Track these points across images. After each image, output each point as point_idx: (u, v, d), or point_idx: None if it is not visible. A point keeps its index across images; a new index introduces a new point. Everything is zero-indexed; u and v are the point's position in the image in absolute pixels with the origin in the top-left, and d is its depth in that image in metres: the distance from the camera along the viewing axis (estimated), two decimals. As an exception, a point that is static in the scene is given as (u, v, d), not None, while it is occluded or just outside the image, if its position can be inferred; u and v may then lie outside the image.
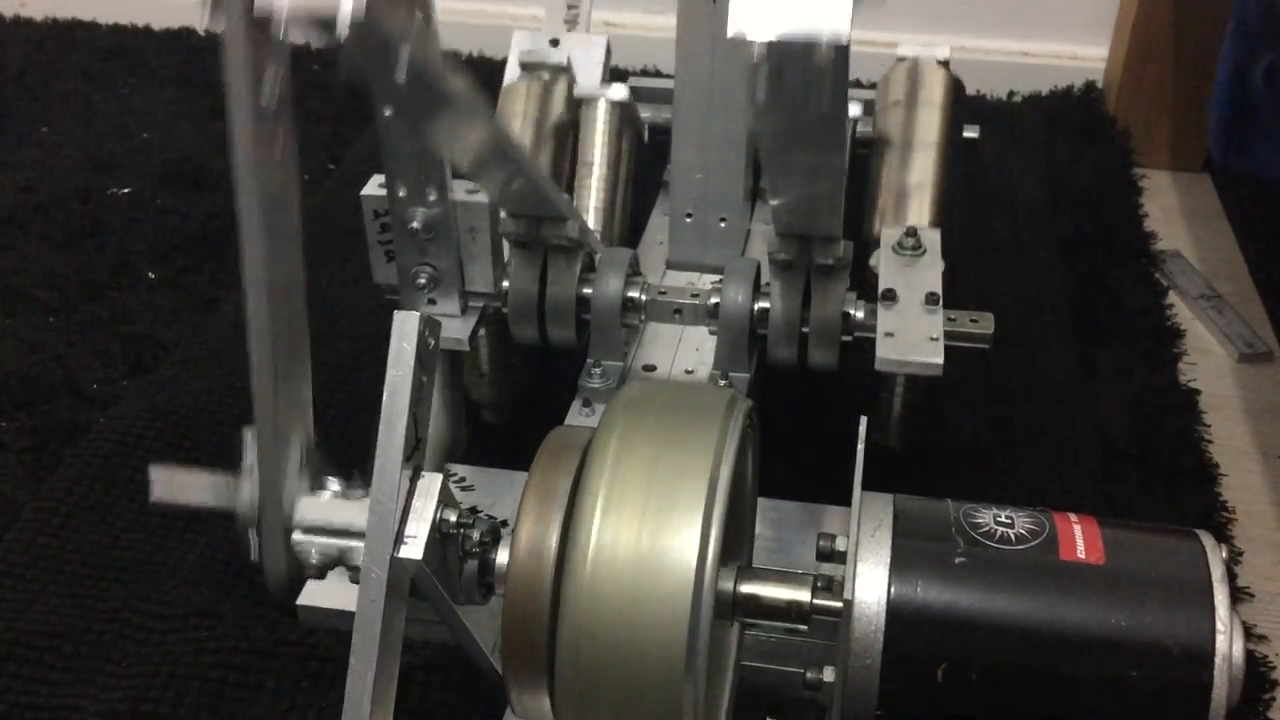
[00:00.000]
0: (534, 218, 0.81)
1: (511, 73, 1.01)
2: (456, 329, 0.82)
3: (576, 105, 1.00)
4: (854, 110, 1.03)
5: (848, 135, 0.95)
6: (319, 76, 1.32)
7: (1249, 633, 0.81)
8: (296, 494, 0.61)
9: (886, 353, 0.73)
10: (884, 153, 0.94)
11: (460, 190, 0.78)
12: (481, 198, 0.78)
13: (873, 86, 1.03)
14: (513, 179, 0.75)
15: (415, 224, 0.78)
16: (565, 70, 1.01)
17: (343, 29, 0.49)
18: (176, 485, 0.62)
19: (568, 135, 1.00)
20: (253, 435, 0.59)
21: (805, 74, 0.52)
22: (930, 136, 0.93)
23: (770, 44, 0.50)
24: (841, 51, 0.51)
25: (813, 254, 0.78)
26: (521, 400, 0.94)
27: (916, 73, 0.98)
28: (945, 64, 0.99)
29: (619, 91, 1.00)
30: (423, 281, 0.81)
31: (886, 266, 0.80)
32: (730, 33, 0.50)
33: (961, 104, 0.98)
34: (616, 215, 0.99)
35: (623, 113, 1.00)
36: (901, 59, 1.00)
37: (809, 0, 0.50)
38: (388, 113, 0.71)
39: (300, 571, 0.62)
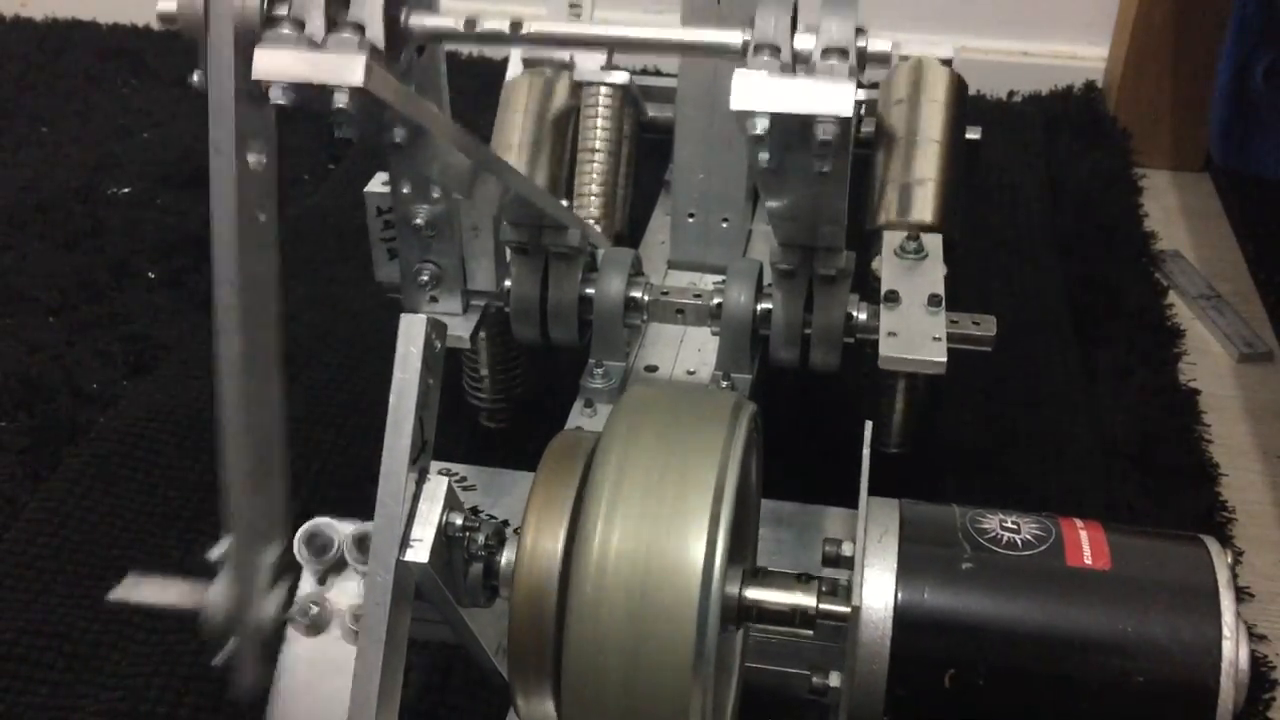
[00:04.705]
0: (535, 225, 0.81)
1: (514, 68, 1.01)
2: (458, 327, 0.82)
3: (578, 91, 1.00)
4: None
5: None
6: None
7: (1249, 633, 0.81)
8: (270, 600, 0.61)
9: (889, 350, 0.73)
10: (888, 148, 0.94)
11: None
12: None
13: (874, 86, 1.03)
14: (508, 196, 0.75)
15: (419, 220, 0.78)
16: (567, 66, 1.00)
17: (340, 98, 0.51)
18: (142, 587, 0.62)
19: (569, 125, 0.99)
20: (226, 542, 0.59)
21: (808, 145, 0.54)
22: (934, 133, 0.93)
23: (774, 117, 0.52)
24: (844, 123, 0.52)
25: (815, 264, 0.78)
26: (523, 400, 0.94)
27: (920, 71, 0.98)
28: (948, 63, 0.99)
29: (619, 76, 0.99)
30: (425, 279, 0.81)
31: (889, 269, 0.79)
32: (734, 107, 0.53)
33: (965, 103, 0.97)
34: (618, 200, 0.99)
35: (623, 95, 0.99)
36: (904, 58, 1.00)
37: (811, 83, 0.53)
38: None
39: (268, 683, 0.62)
